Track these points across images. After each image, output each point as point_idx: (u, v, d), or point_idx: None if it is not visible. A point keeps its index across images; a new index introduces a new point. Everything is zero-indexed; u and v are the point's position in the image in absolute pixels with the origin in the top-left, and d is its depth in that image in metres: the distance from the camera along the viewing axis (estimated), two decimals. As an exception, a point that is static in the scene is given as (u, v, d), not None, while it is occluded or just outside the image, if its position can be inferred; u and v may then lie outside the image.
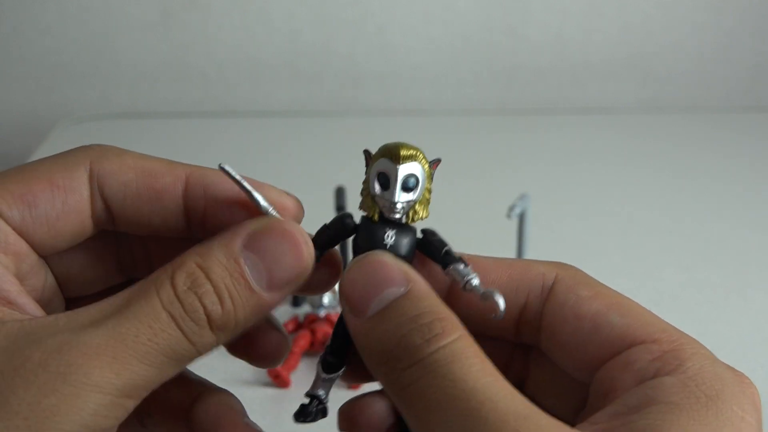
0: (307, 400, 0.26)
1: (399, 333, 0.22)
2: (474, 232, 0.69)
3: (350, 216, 0.26)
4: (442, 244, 0.25)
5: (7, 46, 1.06)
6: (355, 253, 0.26)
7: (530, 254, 0.53)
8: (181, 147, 0.94)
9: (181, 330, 0.22)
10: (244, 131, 0.99)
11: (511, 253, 0.57)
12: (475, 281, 0.24)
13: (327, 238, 0.25)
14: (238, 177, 0.24)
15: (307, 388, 0.26)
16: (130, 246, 0.29)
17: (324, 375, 0.26)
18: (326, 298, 0.53)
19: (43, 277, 0.26)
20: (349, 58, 1.11)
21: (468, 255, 0.26)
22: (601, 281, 0.26)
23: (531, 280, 0.26)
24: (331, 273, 0.27)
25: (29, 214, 0.24)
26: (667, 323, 0.24)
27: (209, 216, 0.26)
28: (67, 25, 1.05)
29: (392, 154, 0.24)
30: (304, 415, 0.26)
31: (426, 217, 0.26)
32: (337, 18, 1.08)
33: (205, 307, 0.22)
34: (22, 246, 0.25)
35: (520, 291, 0.26)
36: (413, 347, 0.21)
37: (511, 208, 0.45)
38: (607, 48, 1.13)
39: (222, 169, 0.24)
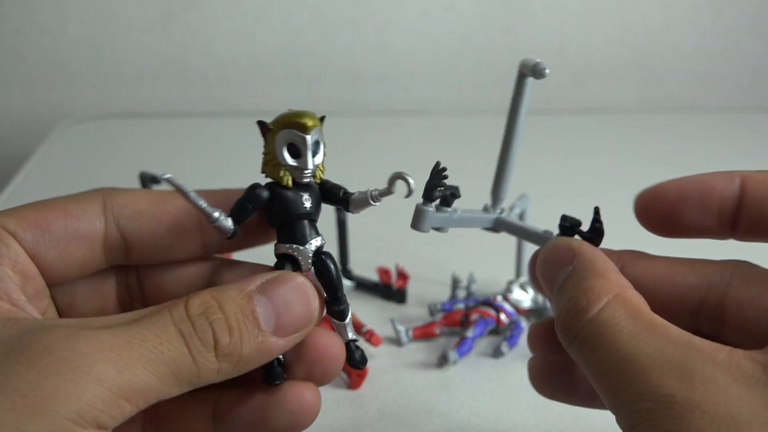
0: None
1: (561, 312, 0.26)
2: (474, 232, 0.69)
3: (260, 185, 0.27)
4: (338, 187, 0.29)
5: (7, 46, 1.06)
6: (274, 218, 0.27)
7: (530, 254, 0.52)
8: (181, 147, 0.94)
9: (188, 346, 0.23)
10: (244, 131, 0.99)
11: (510, 253, 0.57)
12: (375, 191, 0.28)
13: (248, 211, 0.27)
14: (183, 187, 0.25)
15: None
16: (129, 288, 0.30)
17: None
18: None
19: (44, 306, 0.27)
20: (349, 58, 1.11)
21: (663, 257, 0.31)
22: None
23: (711, 275, 0.30)
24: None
25: (42, 238, 0.26)
26: None
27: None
28: (67, 25, 1.05)
29: (298, 125, 0.27)
30: (276, 376, 0.27)
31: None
32: (337, 18, 1.08)
33: (214, 332, 0.23)
34: (32, 269, 0.26)
35: (701, 285, 0.29)
36: (568, 327, 0.25)
37: (511, 208, 0.45)
38: (608, 48, 1.13)
39: (167, 180, 0.25)
